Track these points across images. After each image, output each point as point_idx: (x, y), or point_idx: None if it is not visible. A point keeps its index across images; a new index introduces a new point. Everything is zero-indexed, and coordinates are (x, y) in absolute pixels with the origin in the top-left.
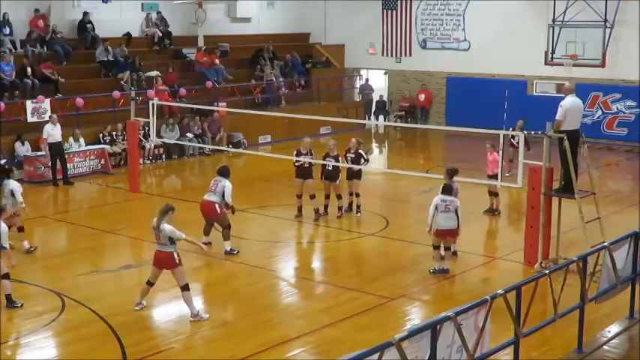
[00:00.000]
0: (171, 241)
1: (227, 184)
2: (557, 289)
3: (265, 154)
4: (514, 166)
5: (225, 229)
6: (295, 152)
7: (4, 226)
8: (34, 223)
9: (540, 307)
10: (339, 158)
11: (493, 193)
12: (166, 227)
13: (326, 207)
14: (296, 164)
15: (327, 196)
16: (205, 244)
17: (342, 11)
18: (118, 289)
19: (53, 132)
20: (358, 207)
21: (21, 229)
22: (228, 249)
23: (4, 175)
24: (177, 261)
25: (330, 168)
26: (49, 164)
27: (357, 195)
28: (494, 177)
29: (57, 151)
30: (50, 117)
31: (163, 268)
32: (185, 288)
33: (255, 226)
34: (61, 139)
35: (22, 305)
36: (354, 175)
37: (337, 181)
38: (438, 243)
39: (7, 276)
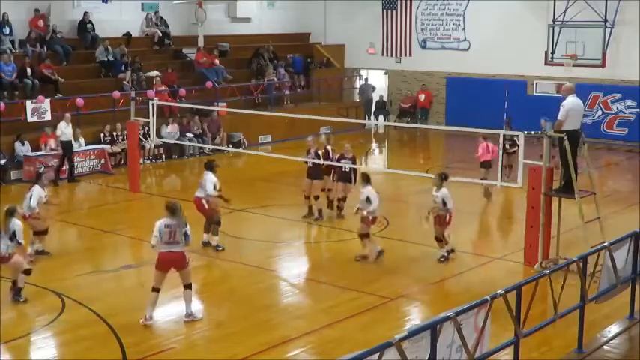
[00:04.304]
0: (184, 239)
1: (208, 177)
2: (557, 289)
3: (265, 154)
4: (513, 171)
5: (214, 225)
6: (307, 152)
7: (19, 223)
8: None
9: (540, 307)
10: (356, 160)
11: (483, 179)
12: (187, 224)
13: (341, 209)
14: (308, 164)
15: (344, 199)
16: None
17: (342, 11)
18: (118, 289)
19: (66, 130)
20: (340, 209)
21: (36, 233)
22: (214, 244)
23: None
24: (188, 260)
25: (347, 170)
26: (57, 163)
27: (344, 199)
28: (486, 164)
29: (66, 149)
30: (64, 116)
31: (172, 269)
32: (189, 286)
33: (255, 226)
34: (71, 139)
35: (24, 301)
36: (348, 178)
37: (352, 184)
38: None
39: (28, 272)
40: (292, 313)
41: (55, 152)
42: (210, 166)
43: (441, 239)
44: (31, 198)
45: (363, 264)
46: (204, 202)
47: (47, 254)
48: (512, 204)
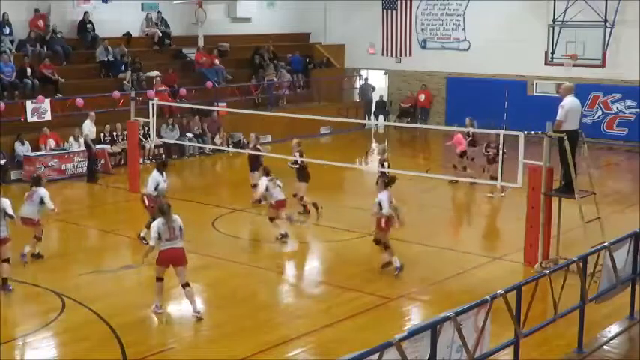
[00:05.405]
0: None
1: (152, 175)
2: (557, 289)
3: (265, 154)
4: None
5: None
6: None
7: (6, 200)
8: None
9: (540, 307)
10: (384, 164)
11: (464, 168)
12: (179, 219)
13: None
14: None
15: None
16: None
17: (342, 11)
18: (118, 289)
19: (93, 129)
20: (306, 211)
21: (39, 239)
22: (142, 234)
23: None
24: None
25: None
26: (87, 162)
27: (301, 199)
28: (463, 154)
29: (91, 148)
30: (89, 114)
31: (172, 265)
32: (188, 284)
33: (255, 226)
34: (94, 137)
35: (12, 289)
36: (302, 177)
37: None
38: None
39: (7, 260)
40: (292, 313)
41: (55, 152)
42: (158, 166)
43: (379, 242)
44: (41, 201)
45: (363, 264)
46: (145, 198)
47: (42, 257)
48: (512, 204)
